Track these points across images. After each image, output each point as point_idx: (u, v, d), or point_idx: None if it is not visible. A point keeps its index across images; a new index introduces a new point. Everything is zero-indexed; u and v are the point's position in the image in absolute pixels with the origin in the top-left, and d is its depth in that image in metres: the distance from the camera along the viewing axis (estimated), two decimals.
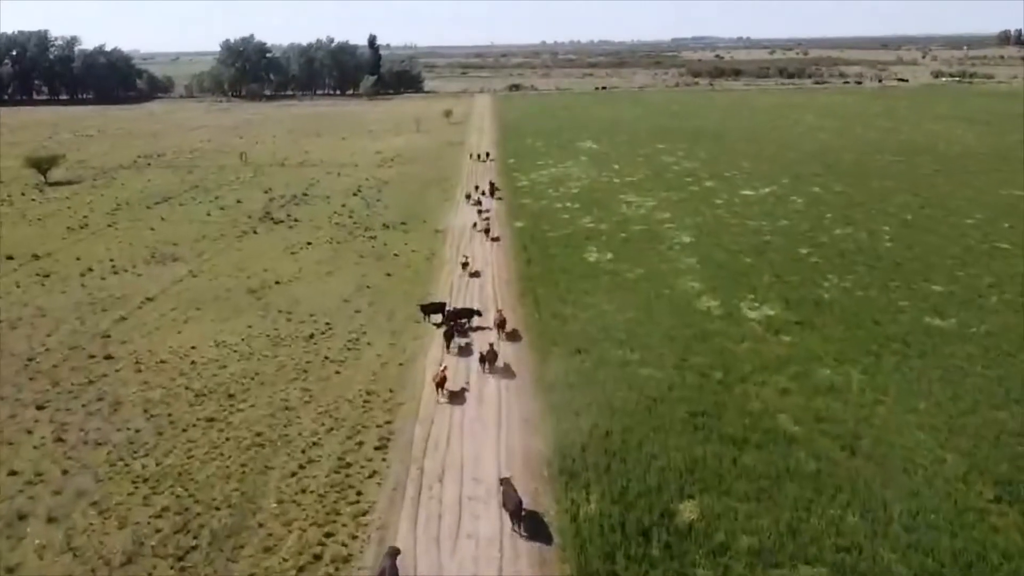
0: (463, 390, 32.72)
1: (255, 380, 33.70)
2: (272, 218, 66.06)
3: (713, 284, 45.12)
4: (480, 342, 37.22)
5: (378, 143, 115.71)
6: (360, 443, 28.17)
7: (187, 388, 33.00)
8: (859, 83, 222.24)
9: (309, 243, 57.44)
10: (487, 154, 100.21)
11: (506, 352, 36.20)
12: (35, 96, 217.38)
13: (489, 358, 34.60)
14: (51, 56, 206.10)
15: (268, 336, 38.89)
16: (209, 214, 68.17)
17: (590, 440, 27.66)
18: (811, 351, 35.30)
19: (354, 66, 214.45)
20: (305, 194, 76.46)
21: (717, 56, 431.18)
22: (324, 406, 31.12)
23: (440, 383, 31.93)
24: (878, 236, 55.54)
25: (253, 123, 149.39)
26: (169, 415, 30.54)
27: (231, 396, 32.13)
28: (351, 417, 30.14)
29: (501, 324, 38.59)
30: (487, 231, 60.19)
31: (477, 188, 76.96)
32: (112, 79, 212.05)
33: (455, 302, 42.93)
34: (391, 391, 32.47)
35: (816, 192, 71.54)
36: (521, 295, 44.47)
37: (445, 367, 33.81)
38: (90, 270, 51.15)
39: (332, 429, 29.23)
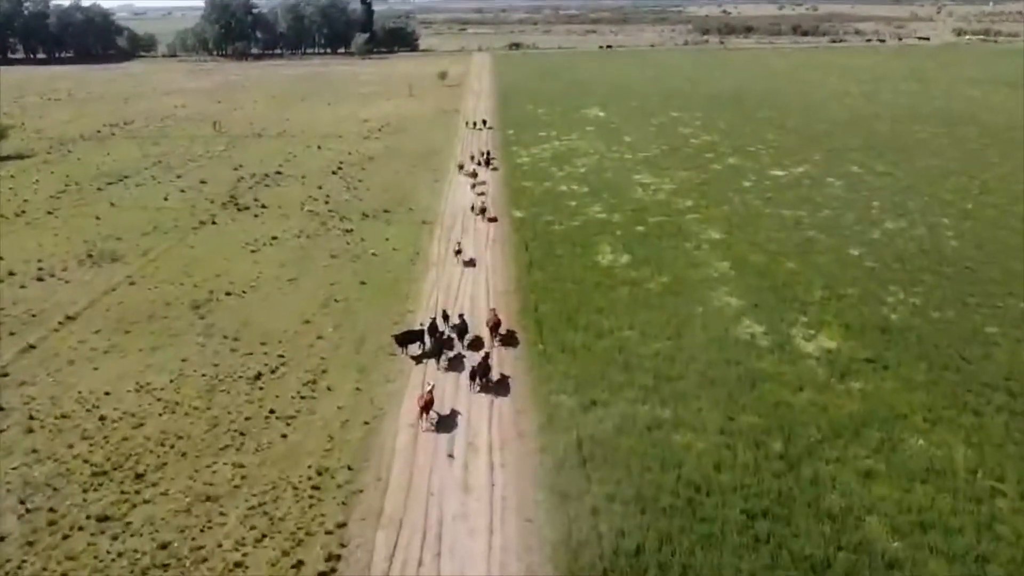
0: (453, 412, 27.81)
1: (176, 449, 25.98)
2: (237, 204, 57.77)
3: (754, 299, 37.16)
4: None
5: (366, 109, 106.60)
6: (298, 564, 20.51)
7: (86, 461, 25.32)
8: (882, 41, 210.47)
9: (274, 238, 49.29)
10: (484, 122, 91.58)
11: (503, 360, 29.88)
12: (10, 56, 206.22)
13: (481, 371, 29.33)
14: (25, 13, 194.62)
15: (205, 376, 31.07)
16: (167, 198, 59.84)
17: (615, 560, 20.05)
18: (892, 405, 27.51)
19: (345, 23, 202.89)
20: (279, 172, 67.97)
21: (724, 11, 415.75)
22: (259, 494, 23.45)
23: (426, 407, 26.63)
24: (939, 232, 47.39)
25: (235, 86, 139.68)
26: (51, 510, 22.89)
27: (140, 476, 24.46)
28: (292, 515, 22.49)
29: (495, 327, 33.20)
30: (483, 211, 53.44)
31: (472, 158, 70.78)
32: (90, 37, 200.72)
33: (448, 307, 34.86)
34: (350, 469, 24.73)
35: (856, 172, 63.04)
36: (521, 313, 36.51)
37: (432, 387, 27.96)
38: (11, 274, 43.16)
39: (264, 537, 21.61)
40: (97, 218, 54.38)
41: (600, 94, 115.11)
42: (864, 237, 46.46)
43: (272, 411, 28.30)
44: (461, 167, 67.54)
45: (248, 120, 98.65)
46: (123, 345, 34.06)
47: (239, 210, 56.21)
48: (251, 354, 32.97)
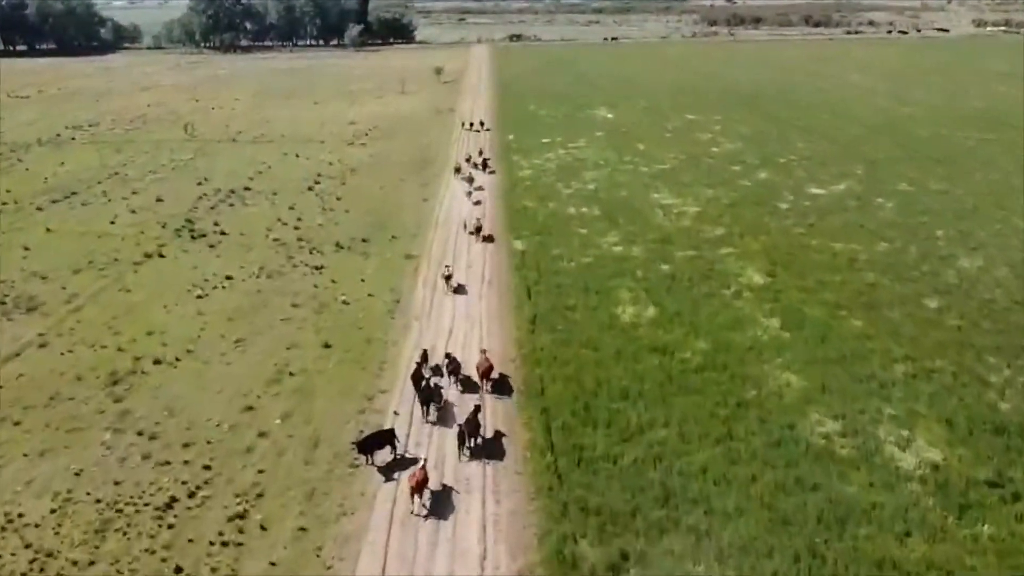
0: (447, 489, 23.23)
1: None
2: (192, 229, 49.67)
3: (819, 377, 29.17)
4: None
5: (355, 109, 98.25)
6: None
7: None
8: (904, 33, 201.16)
9: (228, 278, 41.21)
10: (481, 123, 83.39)
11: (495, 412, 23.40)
12: None
13: (470, 429, 25.03)
14: (2, 3, 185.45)
15: (99, 503, 23.21)
16: (114, 221, 51.78)
17: None
18: None
19: (339, 13, 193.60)
20: (247, 188, 59.77)
21: (730, 1, 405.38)
22: None
23: (418, 487, 22.41)
24: None
25: (218, 81, 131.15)
26: None
27: None
28: None
29: (486, 372, 28.81)
30: (478, 230, 47.00)
31: (468, 160, 65.08)
32: (71, 28, 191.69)
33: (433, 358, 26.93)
34: None
35: (907, 191, 54.84)
36: (525, 399, 28.44)
37: (424, 462, 23.60)
38: None
39: None
40: (26, 248, 46.36)
41: (607, 92, 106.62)
42: (937, 282, 38.37)
43: (179, 569, 20.31)
44: (458, 170, 61.95)
45: (224, 121, 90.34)
46: (4, 448, 26.02)
47: (193, 238, 48.12)
48: (168, 464, 25.02)
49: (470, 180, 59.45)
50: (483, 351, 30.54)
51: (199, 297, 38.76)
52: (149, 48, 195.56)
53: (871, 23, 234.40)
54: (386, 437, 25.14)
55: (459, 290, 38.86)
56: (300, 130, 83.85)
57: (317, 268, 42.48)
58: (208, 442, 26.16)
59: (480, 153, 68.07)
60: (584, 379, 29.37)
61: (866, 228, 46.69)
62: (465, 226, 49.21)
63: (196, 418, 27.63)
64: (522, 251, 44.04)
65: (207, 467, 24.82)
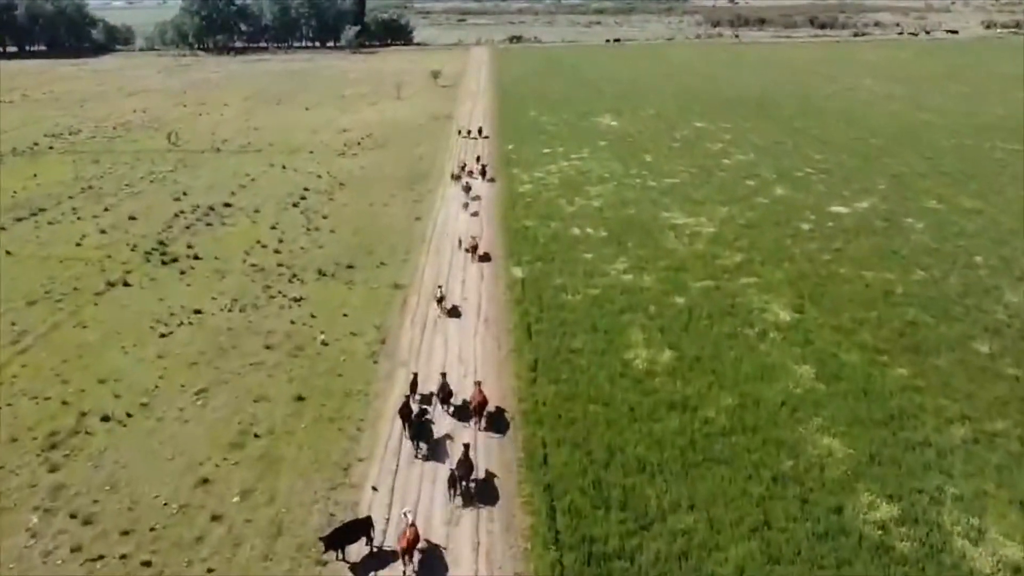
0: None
1: None
2: (164, 253, 45.66)
3: (866, 444, 25.38)
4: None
5: (348, 115, 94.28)
6: None
7: None
8: (914, 35, 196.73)
9: (197, 312, 37.20)
10: (479, 131, 79.52)
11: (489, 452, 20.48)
12: None
13: (462, 471, 23.05)
14: None
15: None
16: (80, 242, 47.82)
17: None
18: None
19: (335, 14, 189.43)
20: (228, 204, 55.75)
21: (732, 1, 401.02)
22: None
23: (409, 547, 20.24)
24: None
25: (209, 85, 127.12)
26: None
27: None
28: None
29: (480, 407, 26.62)
30: (474, 248, 43.57)
31: (464, 167, 62.56)
32: (61, 29, 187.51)
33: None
34: None
35: (937, 210, 50.82)
36: (527, 467, 24.44)
37: (412, 519, 21.10)
38: None
39: None
40: None
41: (611, 97, 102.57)
42: (985, 319, 34.36)
43: None
44: (457, 177, 60.21)
45: (211, 129, 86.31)
46: None
47: (164, 263, 44.12)
48: (100, 558, 21.10)
49: (467, 189, 56.34)
50: (477, 383, 27.84)
51: (162, 336, 34.75)
52: (142, 50, 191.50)
53: (877, 24, 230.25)
54: (360, 527, 21.16)
55: (453, 313, 36.27)
56: (289, 139, 79.85)
57: (296, 300, 38.48)
58: (152, 528, 22.21)
59: (478, 160, 65.36)
60: (593, 445, 25.40)
61: (899, 254, 42.65)
62: (460, 243, 45.75)
63: (141, 494, 23.66)
64: (522, 279, 40.02)
65: (147, 563, 20.87)
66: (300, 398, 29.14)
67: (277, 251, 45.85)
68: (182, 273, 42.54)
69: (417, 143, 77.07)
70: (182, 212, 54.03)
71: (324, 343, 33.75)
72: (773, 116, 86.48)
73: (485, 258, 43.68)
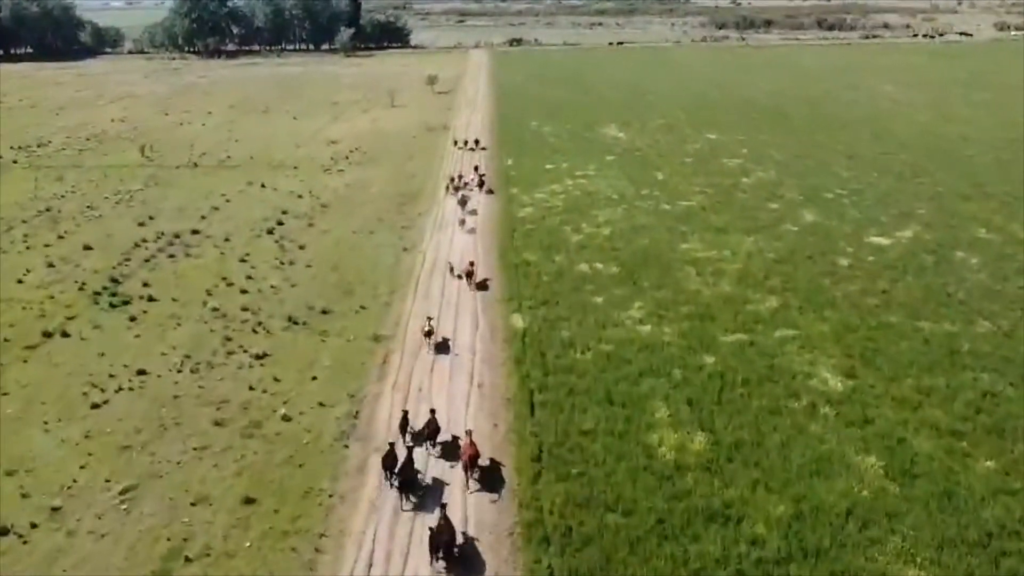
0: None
1: None
2: (116, 292, 40.14)
3: None
4: None
5: (337, 125, 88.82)
6: None
7: None
8: (929, 37, 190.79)
9: (141, 373, 31.64)
10: (476, 142, 74.17)
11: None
12: None
13: (442, 540, 20.09)
14: None
15: None
16: (23, 279, 42.36)
17: None
18: None
19: (329, 16, 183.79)
20: (196, 232, 50.21)
21: (734, 2, 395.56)
22: None
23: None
24: None
25: (195, 91, 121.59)
26: None
27: None
28: None
29: (472, 461, 23.87)
30: (470, 275, 39.23)
31: (460, 177, 59.19)
32: (48, 32, 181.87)
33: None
34: None
35: (990, 241, 45.29)
36: None
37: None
38: None
39: None
40: None
41: (616, 105, 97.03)
42: None
43: None
44: (457, 188, 56.75)
45: (190, 140, 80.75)
46: None
47: (114, 305, 38.56)
48: None
49: (464, 202, 52.40)
50: (468, 432, 24.93)
51: (95, 406, 29.18)
52: (131, 53, 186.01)
53: (886, 26, 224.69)
54: None
55: (442, 348, 32.91)
56: (272, 152, 74.30)
57: (259, 357, 32.88)
58: None
59: (476, 168, 61.67)
60: None
61: (955, 298, 37.06)
62: (452, 269, 41.26)
63: None
64: (523, 331, 34.37)
65: None
66: (249, 500, 23.57)
67: (244, 290, 40.27)
68: (132, 320, 36.93)
69: (409, 157, 71.55)
70: (144, 241, 48.48)
71: (286, 417, 28.16)
72: (790, 126, 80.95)
73: (483, 286, 39.37)
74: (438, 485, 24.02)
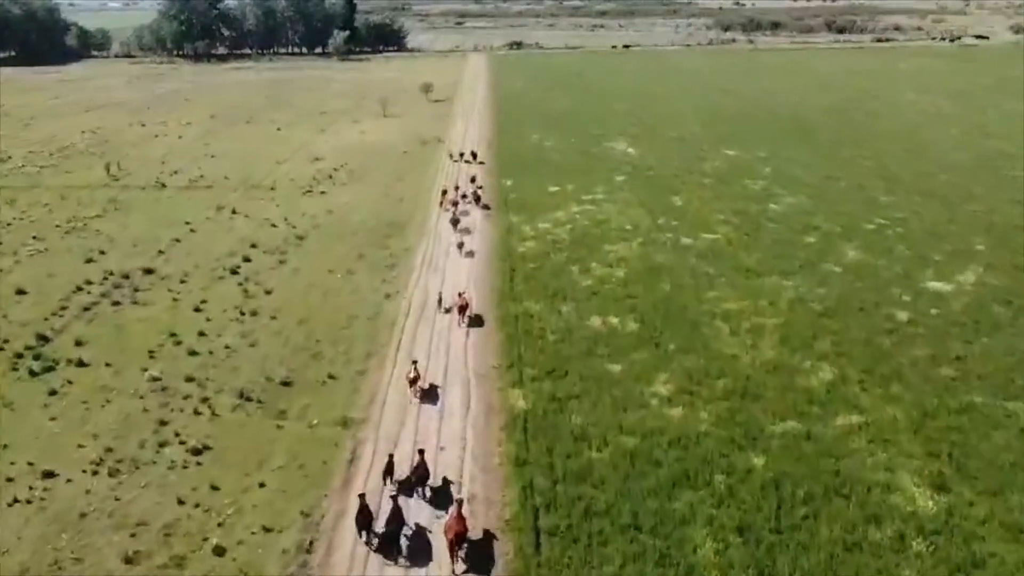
0: None
1: None
2: (39, 356, 33.77)
3: None
4: None
5: (324, 137, 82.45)
6: None
7: None
8: (948, 40, 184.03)
9: (48, 475, 25.37)
10: (473, 155, 68.20)
11: None
12: None
13: None
14: None
15: None
16: None
17: None
18: None
19: (323, 19, 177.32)
20: (149, 271, 43.79)
21: (737, 3, 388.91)
22: None
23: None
24: None
25: (177, 98, 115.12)
26: None
27: None
28: None
29: (458, 538, 20.25)
30: (463, 309, 35.53)
31: (457, 189, 56.50)
32: (32, 35, 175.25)
33: None
34: None
35: None
36: None
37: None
38: None
39: None
40: None
41: (623, 115, 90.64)
42: None
43: None
44: (454, 203, 53.27)
45: (162, 155, 74.40)
46: None
47: (34, 373, 32.18)
48: None
49: (456, 222, 48.80)
50: (458, 501, 21.64)
51: None
52: (117, 56, 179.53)
53: (898, 28, 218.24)
54: None
55: (428, 396, 29.19)
56: (250, 170, 67.89)
57: (196, 452, 26.49)
58: None
59: (473, 180, 59.10)
60: None
61: None
62: (440, 302, 36.93)
63: None
64: (525, 414, 27.91)
65: None
66: None
67: (193, 352, 33.83)
68: (52, 394, 30.54)
69: (399, 176, 65.15)
70: (88, 284, 42.03)
71: (218, 550, 21.74)
72: (814, 141, 74.55)
73: (475, 322, 34.94)
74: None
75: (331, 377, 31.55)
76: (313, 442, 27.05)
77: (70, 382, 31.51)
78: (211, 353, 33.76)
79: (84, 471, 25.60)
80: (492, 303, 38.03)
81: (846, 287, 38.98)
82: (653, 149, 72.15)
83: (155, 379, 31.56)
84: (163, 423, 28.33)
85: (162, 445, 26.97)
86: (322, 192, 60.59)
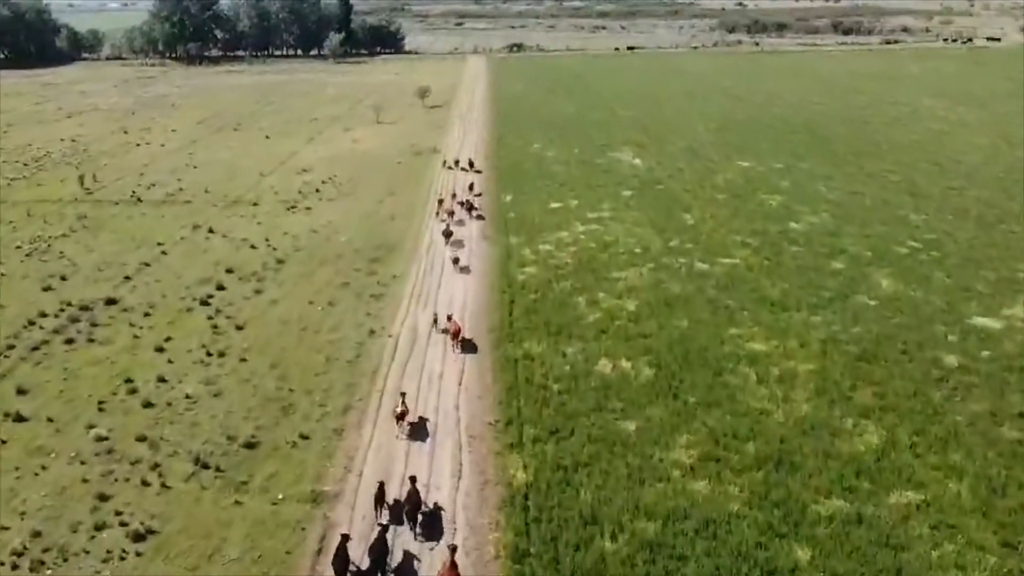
0: None
1: None
2: None
3: None
4: None
5: (312, 147, 78.40)
6: None
7: None
8: (965, 42, 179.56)
9: None
10: (470, 163, 64.69)
11: None
12: None
13: None
14: None
15: None
16: None
17: None
18: None
19: (318, 20, 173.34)
20: (112, 301, 39.81)
21: (740, 4, 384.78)
22: None
23: None
24: None
25: (164, 103, 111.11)
26: None
27: None
28: None
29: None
30: (456, 334, 33.25)
31: (454, 197, 56.01)
32: (21, 36, 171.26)
33: None
34: None
35: None
36: None
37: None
38: None
39: None
40: None
41: (628, 123, 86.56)
42: None
43: None
44: (451, 213, 51.85)
45: (141, 166, 70.40)
46: None
47: None
48: None
49: (448, 235, 46.84)
50: (451, 547, 20.47)
51: None
52: (108, 59, 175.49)
53: (906, 30, 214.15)
54: None
55: (415, 434, 26.94)
56: (232, 183, 63.90)
57: (138, 537, 22.43)
58: None
59: (471, 188, 57.74)
60: None
61: None
62: (435, 321, 34.95)
63: None
64: (524, 489, 23.82)
65: None
66: None
67: (149, 403, 29.77)
68: None
69: (391, 190, 61.12)
70: (42, 316, 38.00)
71: None
72: (832, 152, 70.48)
73: (468, 347, 32.59)
74: None
75: (303, 437, 27.48)
76: (276, 525, 23.01)
77: (3, 442, 27.41)
78: (169, 405, 29.71)
79: (3, 563, 21.49)
80: (489, 343, 33.92)
81: (883, 324, 34.88)
82: (661, 160, 68.09)
83: (101, 439, 27.53)
84: (103, 498, 24.29)
85: (99, 528, 22.93)
86: (307, 208, 56.55)
